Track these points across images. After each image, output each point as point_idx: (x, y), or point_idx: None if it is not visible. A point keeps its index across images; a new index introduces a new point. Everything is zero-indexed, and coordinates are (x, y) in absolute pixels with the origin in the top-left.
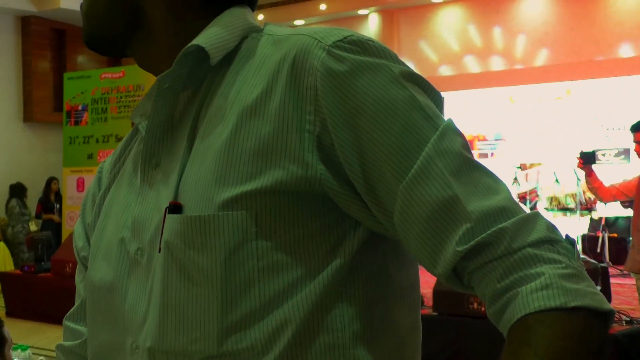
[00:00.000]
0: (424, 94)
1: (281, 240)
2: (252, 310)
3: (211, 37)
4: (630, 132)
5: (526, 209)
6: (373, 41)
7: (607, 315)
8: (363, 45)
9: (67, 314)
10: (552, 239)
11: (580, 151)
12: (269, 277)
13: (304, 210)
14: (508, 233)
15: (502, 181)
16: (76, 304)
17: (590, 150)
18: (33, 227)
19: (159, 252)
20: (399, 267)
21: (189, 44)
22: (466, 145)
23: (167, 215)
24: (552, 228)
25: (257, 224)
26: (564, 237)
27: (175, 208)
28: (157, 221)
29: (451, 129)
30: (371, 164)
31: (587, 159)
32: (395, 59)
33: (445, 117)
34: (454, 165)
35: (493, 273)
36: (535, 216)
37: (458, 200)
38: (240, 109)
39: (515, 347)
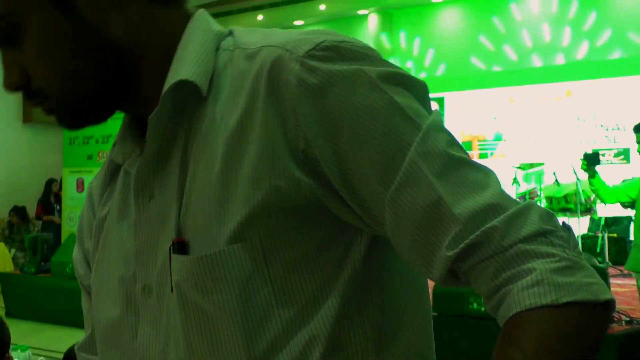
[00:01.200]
0: (404, 92)
1: (290, 259)
2: (277, 335)
3: (193, 64)
4: (633, 132)
5: None
6: (348, 41)
7: (606, 305)
8: (337, 50)
9: (79, 343)
10: (545, 230)
11: (584, 153)
12: (286, 299)
13: (305, 225)
14: (498, 231)
15: (492, 172)
16: (87, 333)
17: (591, 151)
18: None
19: (172, 291)
20: (408, 268)
21: (175, 80)
22: (451, 141)
23: (173, 256)
24: (546, 218)
25: (264, 249)
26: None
27: (180, 246)
28: (162, 259)
29: (435, 127)
30: (356, 177)
31: (592, 161)
32: (371, 58)
33: (437, 113)
34: (438, 167)
35: (486, 271)
36: (526, 208)
37: (444, 202)
38: (227, 135)
39: (504, 346)
